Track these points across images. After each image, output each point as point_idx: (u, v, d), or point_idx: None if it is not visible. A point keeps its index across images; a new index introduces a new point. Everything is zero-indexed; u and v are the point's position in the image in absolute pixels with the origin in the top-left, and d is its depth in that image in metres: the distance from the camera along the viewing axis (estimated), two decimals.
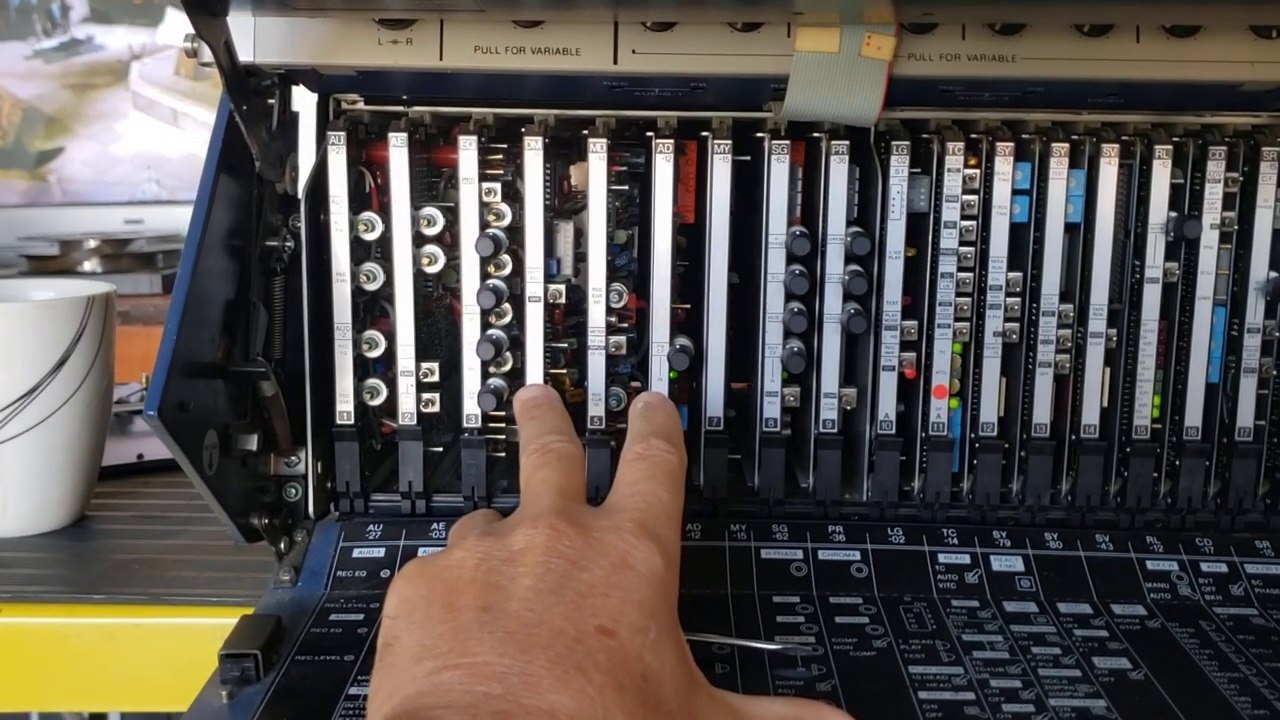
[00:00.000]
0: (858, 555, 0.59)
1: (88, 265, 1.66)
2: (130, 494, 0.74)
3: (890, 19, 0.51)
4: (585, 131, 0.59)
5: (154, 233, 1.81)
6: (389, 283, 0.60)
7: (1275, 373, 0.61)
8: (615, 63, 0.53)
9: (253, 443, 0.55)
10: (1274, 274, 0.60)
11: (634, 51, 0.53)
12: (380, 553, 0.58)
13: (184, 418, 0.48)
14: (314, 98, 0.60)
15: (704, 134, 0.60)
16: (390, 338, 0.60)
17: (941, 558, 0.59)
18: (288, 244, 0.57)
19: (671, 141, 0.59)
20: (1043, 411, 0.61)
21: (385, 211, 0.59)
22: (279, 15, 0.51)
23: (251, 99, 0.53)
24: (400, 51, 0.53)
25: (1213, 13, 0.51)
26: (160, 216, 1.91)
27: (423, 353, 0.61)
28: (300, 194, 0.58)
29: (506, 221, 0.60)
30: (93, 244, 1.67)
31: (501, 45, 0.53)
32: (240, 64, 0.51)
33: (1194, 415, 0.61)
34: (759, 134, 0.60)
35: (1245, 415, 0.61)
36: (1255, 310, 0.60)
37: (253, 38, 0.52)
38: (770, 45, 0.53)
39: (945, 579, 0.58)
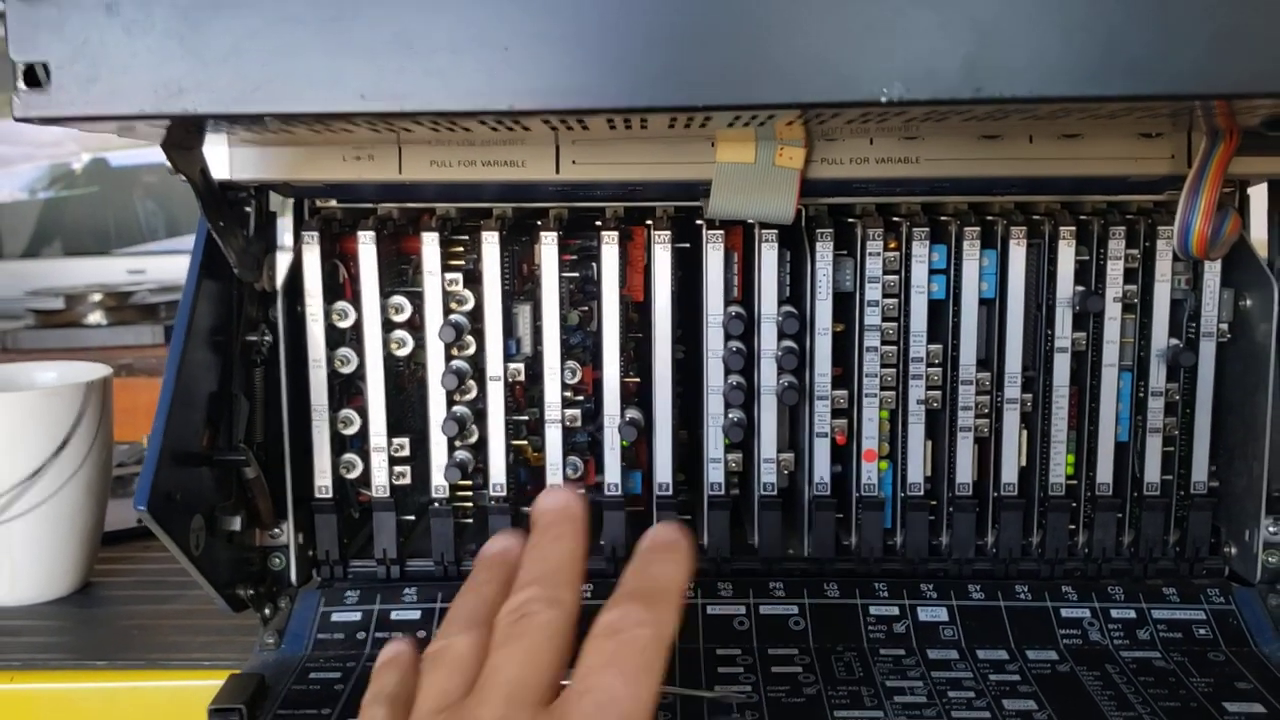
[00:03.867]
0: (795, 609, 0.64)
1: (92, 318, 1.72)
2: (131, 559, 0.79)
3: (800, 135, 0.56)
4: (539, 223, 0.65)
5: (155, 283, 1.87)
6: (362, 365, 0.65)
7: (1178, 432, 0.66)
8: (557, 172, 0.59)
9: (237, 522, 0.60)
10: (1174, 341, 0.65)
11: (574, 162, 0.59)
12: (357, 616, 0.64)
13: (172, 507, 0.54)
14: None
15: (648, 222, 0.66)
16: (364, 414, 0.66)
17: (873, 610, 0.64)
18: (266, 338, 0.63)
19: (616, 233, 0.64)
20: (965, 471, 0.66)
21: (357, 300, 0.65)
22: (251, 146, 0.56)
23: (228, 211, 0.58)
24: (363, 167, 0.58)
25: (1094, 126, 0.56)
26: (162, 266, 1.97)
27: (395, 427, 0.66)
28: (278, 288, 0.63)
29: (469, 306, 0.65)
30: (96, 297, 1.73)
31: (454, 159, 0.58)
32: (216, 182, 0.56)
33: (1105, 472, 0.66)
34: (698, 221, 0.66)
35: (1152, 471, 0.66)
36: (1157, 375, 0.65)
37: (228, 159, 0.58)
38: (697, 155, 0.59)
39: (875, 629, 0.63)
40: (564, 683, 0.42)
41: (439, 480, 0.66)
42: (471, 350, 0.66)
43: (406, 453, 0.66)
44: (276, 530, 0.65)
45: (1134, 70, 0.37)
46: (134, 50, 0.38)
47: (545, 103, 0.38)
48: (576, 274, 0.67)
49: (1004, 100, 0.38)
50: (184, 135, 0.47)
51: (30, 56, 0.39)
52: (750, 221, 0.64)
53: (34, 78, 0.39)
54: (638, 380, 0.68)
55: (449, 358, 0.65)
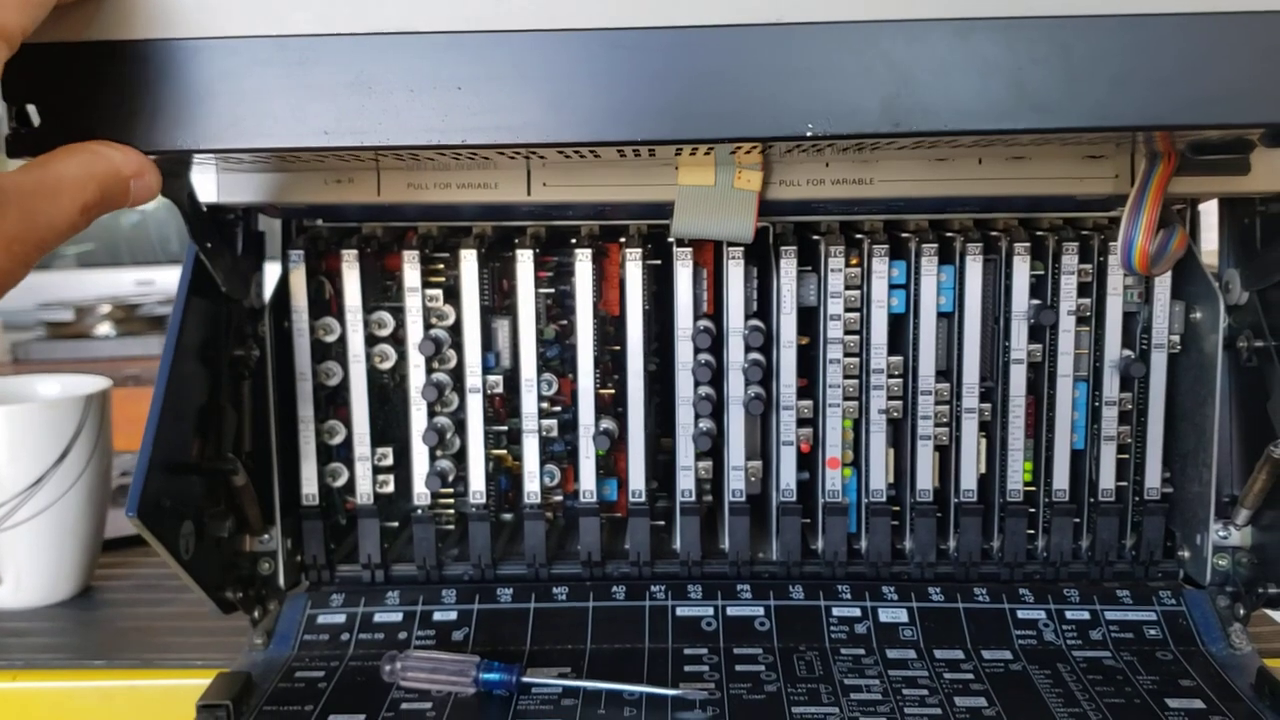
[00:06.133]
0: (761, 611, 0.67)
1: (101, 330, 1.75)
2: (129, 564, 0.82)
3: (758, 159, 0.59)
4: (516, 241, 0.68)
5: (163, 295, 1.91)
6: (346, 378, 0.68)
7: (1132, 440, 0.68)
8: (529, 194, 0.62)
9: (225, 529, 0.63)
10: (1126, 352, 0.68)
11: (544, 184, 0.62)
12: (342, 619, 0.67)
13: (162, 513, 0.57)
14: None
15: (621, 239, 0.69)
16: (349, 425, 0.69)
17: (835, 611, 0.67)
18: (254, 352, 0.66)
19: (590, 251, 0.67)
20: (926, 478, 0.68)
21: (342, 315, 0.68)
22: (237, 172, 0.60)
23: (215, 232, 0.61)
24: (344, 190, 0.61)
25: (1037, 149, 0.59)
26: (170, 278, 2.00)
27: (378, 437, 0.69)
28: (265, 304, 0.66)
29: (450, 321, 0.68)
30: (105, 309, 1.77)
31: (430, 182, 0.61)
32: (204, 206, 0.59)
33: (1062, 479, 0.68)
34: (670, 239, 0.68)
35: (1107, 478, 0.68)
36: (1111, 385, 0.68)
37: (216, 183, 0.61)
38: (662, 177, 0.61)
39: (837, 630, 0.66)
40: None
41: (421, 488, 0.69)
42: (452, 363, 0.69)
43: (390, 462, 0.69)
44: (265, 536, 0.67)
45: (1040, 107, 0.40)
46: (117, 94, 0.42)
47: (495, 138, 0.41)
48: (553, 289, 0.70)
49: (922, 134, 0.41)
50: (169, 164, 0.50)
51: (19, 100, 0.42)
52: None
53: (25, 118, 0.42)
54: (613, 391, 0.71)
55: (430, 371, 0.68)
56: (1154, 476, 0.69)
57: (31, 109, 0.42)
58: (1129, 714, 0.57)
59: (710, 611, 0.67)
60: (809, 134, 0.40)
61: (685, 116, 0.41)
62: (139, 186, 0.43)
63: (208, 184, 0.60)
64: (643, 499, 0.69)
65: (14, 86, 0.41)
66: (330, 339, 0.68)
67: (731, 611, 0.67)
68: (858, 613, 0.66)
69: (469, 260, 0.67)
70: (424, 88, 0.41)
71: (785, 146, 0.54)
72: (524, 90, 0.41)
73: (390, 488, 0.69)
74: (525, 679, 0.60)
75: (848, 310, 0.67)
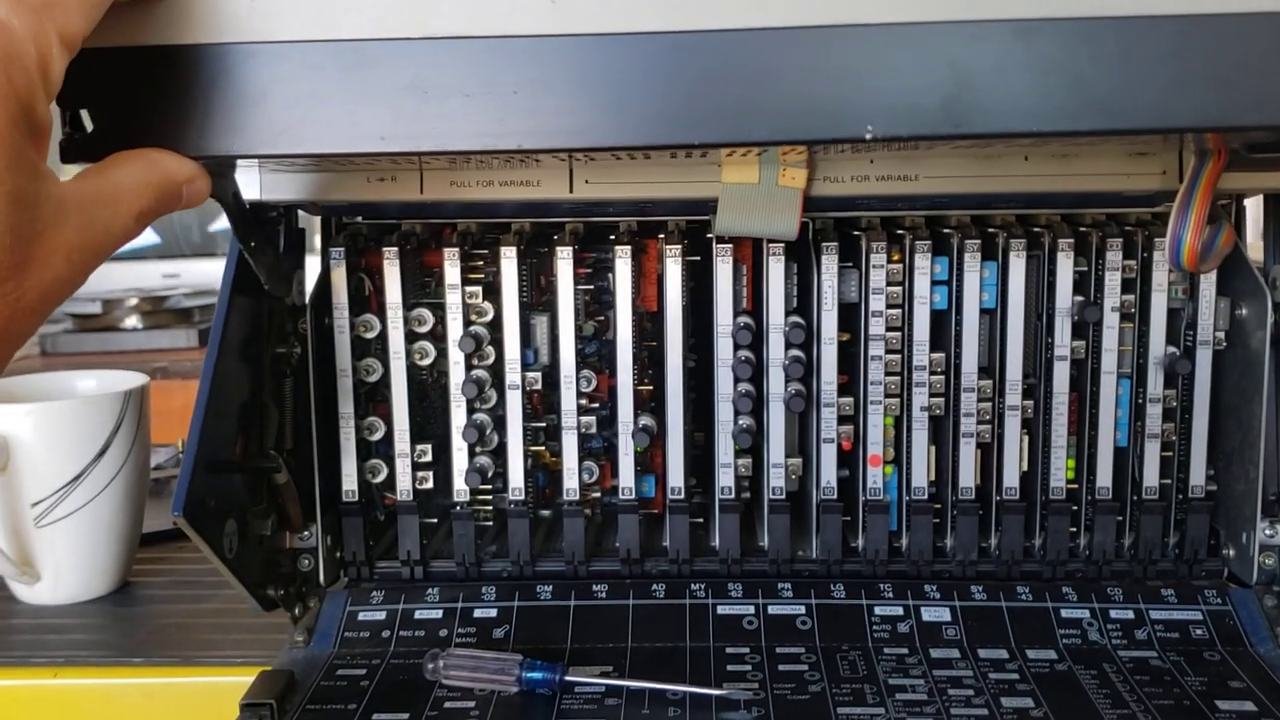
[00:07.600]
0: (803, 609, 0.66)
1: (129, 322, 1.76)
2: (167, 559, 0.82)
3: (803, 157, 0.59)
4: (555, 237, 0.68)
5: (190, 287, 1.91)
6: (387, 374, 0.68)
7: (1176, 437, 0.68)
8: (571, 191, 0.62)
9: (268, 526, 0.63)
10: (1171, 349, 0.67)
11: (586, 182, 0.61)
12: (382, 615, 0.67)
13: (206, 512, 0.57)
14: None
15: (661, 235, 0.68)
16: (389, 421, 0.69)
17: (877, 610, 0.66)
18: (295, 349, 0.66)
19: (629, 247, 0.67)
20: (968, 476, 0.68)
21: (382, 312, 0.68)
22: (280, 171, 0.59)
23: (258, 230, 0.61)
24: (386, 188, 0.61)
25: (1085, 146, 0.59)
26: (196, 270, 2.01)
27: (418, 434, 0.69)
28: (307, 301, 0.66)
29: (489, 318, 0.68)
30: (133, 301, 1.77)
31: (473, 180, 0.61)
32: (248, 204, 0.59)
33: (1105, 476, 0.68)
34: (709, 235, 0.68)
35: (1151, 475, 0.68)
36: (1155, 382, 0.67)
37: (259, 182, 0.61)
38: (705, 174, 0.61)
39: (880, 629, 0.65)
40: None
41: (460, 485, 0.69)
42: (491, 360, 0.69)
43: (429, 458, 0.69)
44: (305, 533, 0.67)
45: (1101, 108, 0.39)
46: (170, 99, 0.42)
47: (551, 142, 0.41)
48: (592, 285, 0.69)
49: (982, 135, 0.40)
50: (217, 165, 0.49)
51: (73, 105, 0.42)
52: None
53: (79, 124, 0.42)
54: (651, 388, 0.70)
55: (469, 367, 0.68)
56: (1199, 474, 0.68)
57: (85, 114, 0.42)
58: (1179, 716, 0.57)
59: (751, 610, 0.66)
60: (868, 136, 0.40)
61: (743, 119, 0.40)
62: (191, 191, 0.44)
63: (250, 182, 0.60)
64: (681, 496, 0.69)
65: (68, 92, 0.40)
66: (370, 336, 0.68)
67: (773, 610, 0.66)
68: (900, 611, 0.66)
69: (509, 257, 0.67)
70: (479, 92, 0.40)
71: (836, 145, 0.54)
72: (580, 94, 0.40)
73: (429, 484, 0.69)
74: (568, 678, 0.59)
75: (890, 307, 0.67)
